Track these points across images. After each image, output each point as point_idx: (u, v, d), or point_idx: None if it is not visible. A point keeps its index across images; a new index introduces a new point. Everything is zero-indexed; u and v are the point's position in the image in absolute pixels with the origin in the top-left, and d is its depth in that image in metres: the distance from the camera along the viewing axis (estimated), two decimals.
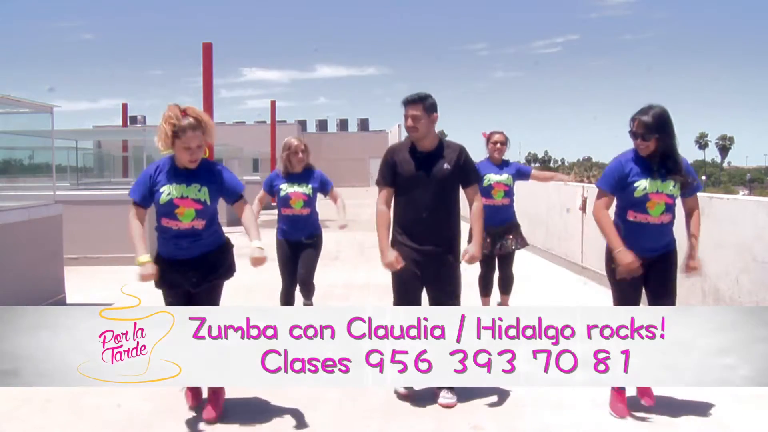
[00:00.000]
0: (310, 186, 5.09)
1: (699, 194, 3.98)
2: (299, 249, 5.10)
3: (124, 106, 29.64)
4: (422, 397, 4.05)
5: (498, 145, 5.52)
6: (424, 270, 3.96)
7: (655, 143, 3.69)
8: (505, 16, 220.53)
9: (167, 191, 3.55)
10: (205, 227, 3.63)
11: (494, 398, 4.00)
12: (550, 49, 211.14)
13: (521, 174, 5.66)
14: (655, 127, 3.65)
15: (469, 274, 5.62)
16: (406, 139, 4.10)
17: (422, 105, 3.93)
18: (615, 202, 3.89)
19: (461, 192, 4.11)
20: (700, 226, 3.88)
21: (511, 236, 5.54)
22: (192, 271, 3.60)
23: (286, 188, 5.08)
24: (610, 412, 3.80)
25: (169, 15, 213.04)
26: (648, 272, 3.76)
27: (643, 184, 3.71)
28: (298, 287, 5.17)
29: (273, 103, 29.34)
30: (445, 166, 3.96)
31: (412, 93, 3.97)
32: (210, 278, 3.66)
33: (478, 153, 5.74)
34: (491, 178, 5.48)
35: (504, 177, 5.49)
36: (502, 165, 5.58)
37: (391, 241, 4.04)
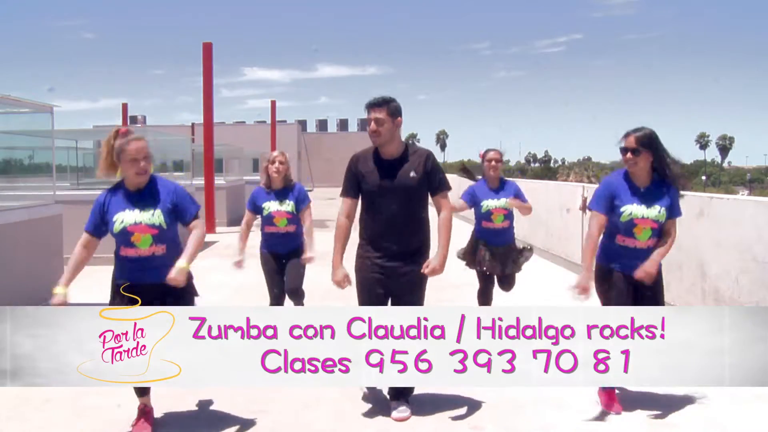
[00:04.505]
0: (292, 203, 5.02)
1: (699, 194, 4.03)
2: (284, 259, 5.04)
3: (125, 106, 29.67)
4: (422, 399, 4.05)
5: (493, 163, 5.41)
6: (389, 284, 3.78)
7: (645, 160, 3.78)
8: (507, 16, 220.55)
9: (120, 219, 3.44)
10: (167, 252, 3.50)
11: (494, 398, 4.00)
12: (553, 49, 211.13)
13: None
14: (645, 144, 3.76)
15: (470, 273, 5.63)
16: (371, 147, 3.91)
17: (386, 108, 3.75)
18: (606, 226, 3.91)
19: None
20: (668, 250, 3.88)
21: (509, 260, 5.48)
22: (158, 297, 3.41)
23: (269, 207, 5.01)
24: (604, 411, 3.82)
25: (169, 14, 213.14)
26: (636, 293, 3.83)
27: (628, 210, 3.80)
28: (287, 296, 5.11)
29: (273, 103, 29.40)
30: (412, 174, 3.76)
31: (376, 96, 3.80)
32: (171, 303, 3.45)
33: (477, 152, 5.71)
34: (489, 204, 5.35)
35: (502, 202, 5.38)
36: (499, 188, 5.46)
37: (356, 254, 3.91)
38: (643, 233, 3.79)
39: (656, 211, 3.79)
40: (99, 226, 3.52)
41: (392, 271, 3.77)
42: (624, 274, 3.83)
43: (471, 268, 5.55)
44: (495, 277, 5.51)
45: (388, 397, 3.94)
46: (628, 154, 3.78)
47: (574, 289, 3.77)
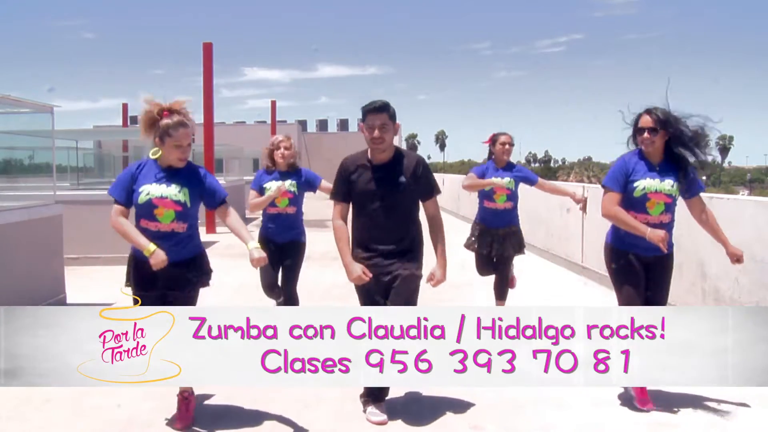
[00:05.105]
0: (295, 183, 5.00)
1: (700, 194, 4.01)
2: (282, 253, 4.99)
3: (125, 106, 29.71)
4: (422, 399, 4.05)
5: (506, 146, 5.43)
6: (385, 287, 3.73)
7: (661, 139, 3.78)
8: (508, 16, 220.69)
9: (146, 191, 3.48)
10: (186, 231, 3.56)
11: (494, 398, 4.00)
12: (554, 49, 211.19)
13: (525, 179, 5.55)
14: (662, 122, 3.76)
15: (470, 274, 5.64)
16: (361, 151, 3.88)
17: (388, 113, 3.69)
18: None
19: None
20: (719, 227, 3.92)
21: (509, 242, 5.50)
22: (169, 275, 3.48)
23: (271, 185, 4.99)
24: (638, 408, 3.83)
25: (169, 14, 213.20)
26: (647, 273, 3.83)
27: (642, 184, 3.80)
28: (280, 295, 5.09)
29: (273, 103, 29.42)
30: (402, 179, 3.72)
31: (372, 100, 3.71)
32: (187, 287, 3.57)
33: (479, 154, 5.73)
34: (493, 181, 5.42)
35: (506, 180, 5.40)
36: (505, 168, 5.49)
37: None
38: (655, 207, 3.79)
39: (669, 185, 3.79)
40: (129, 195, 3.53)
41: (387, 274, 3.72)
42: (637, 255, 3.83)
43: (470, 250, 5.57)
44: (492, 267, 5.55)
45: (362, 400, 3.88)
46: (646, 134, 3.78)
47: (660, 243, 3.65)
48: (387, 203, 3.73)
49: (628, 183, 3.82)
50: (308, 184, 5.12)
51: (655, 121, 3.76)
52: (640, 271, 3.84)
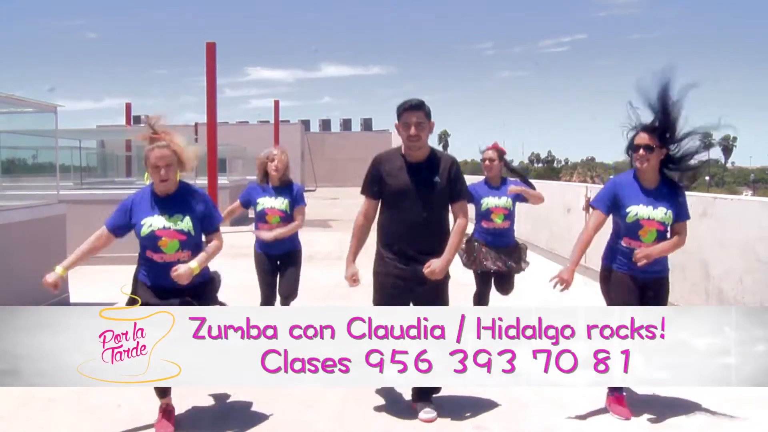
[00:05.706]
0: (287, 202, 4.97)
1: (703, 194, 4.01)
2: (278, 264, 5.00)
3: (128, 106, 29.74)
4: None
5: (486, 162, 5.32)
6: (410, 289, 3.71)
7: (656, 158, 3.71)
8: (511, 16, 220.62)
9: (148, 223, 3.42)
10: (191, 258, 3.47)
11: (497, 398, 4.00)
12: (557, 49, 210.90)
13: (521, 198, 5.50)
14: (660, 140, 3.68)
15: (468, 273, 5.62)
16: (395, 148, 3.85)
17: (424, 111, 3.67)
18: (612, 227, 3.91)
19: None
20: (674, 249, 3.81)
21: (511, 261, 5.42)
22: (175, 299, 3.39)
23: (263, 203, 4.97)
24: (614, 416, 3.79)
25: (172, 14, 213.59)
26: (641, 294, 3.79)
27: (634, 210, 3.73)
28: (280, 302, 5.07)
29: (276, 103, 29.44)
30: (436, 179, 3.69)
31: (408, 99, 3.69)
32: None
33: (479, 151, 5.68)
34: (489, 202, 5.27)
35: (503, 201, 5.28)
36: (500, 186, 5.40)
37: (375, 256, 3.85)
38: (648, 235, 3.72)
39: (662, 213, 3.71)
40: (120, 226, 3.51)
41: (412, 275, 3.69)
42: (628, 276, 3.79)
43: (468, 268, 5.50)
44: (493, 279, 5.45)
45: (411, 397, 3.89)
46: (641, 151, 3.69)
47: (553, 279, 3.71)
48: (421, 202, 3.68)
49: (620, 207, 3.76)
50: (295, 201, 5.07)
51: (651, 138, 3.68)
52: (635, 291, 3.78)
